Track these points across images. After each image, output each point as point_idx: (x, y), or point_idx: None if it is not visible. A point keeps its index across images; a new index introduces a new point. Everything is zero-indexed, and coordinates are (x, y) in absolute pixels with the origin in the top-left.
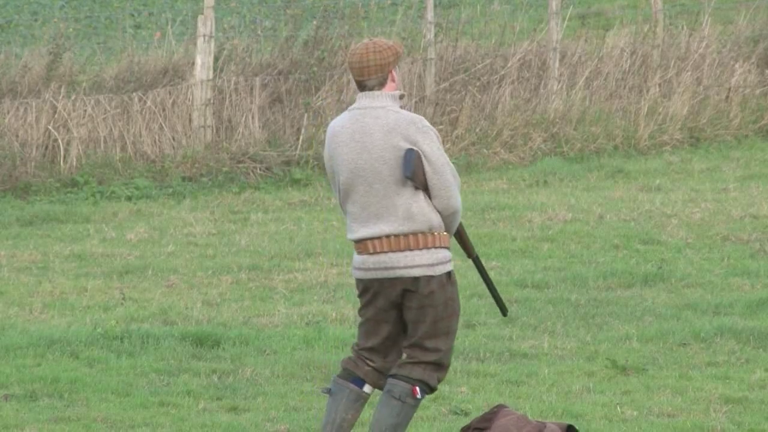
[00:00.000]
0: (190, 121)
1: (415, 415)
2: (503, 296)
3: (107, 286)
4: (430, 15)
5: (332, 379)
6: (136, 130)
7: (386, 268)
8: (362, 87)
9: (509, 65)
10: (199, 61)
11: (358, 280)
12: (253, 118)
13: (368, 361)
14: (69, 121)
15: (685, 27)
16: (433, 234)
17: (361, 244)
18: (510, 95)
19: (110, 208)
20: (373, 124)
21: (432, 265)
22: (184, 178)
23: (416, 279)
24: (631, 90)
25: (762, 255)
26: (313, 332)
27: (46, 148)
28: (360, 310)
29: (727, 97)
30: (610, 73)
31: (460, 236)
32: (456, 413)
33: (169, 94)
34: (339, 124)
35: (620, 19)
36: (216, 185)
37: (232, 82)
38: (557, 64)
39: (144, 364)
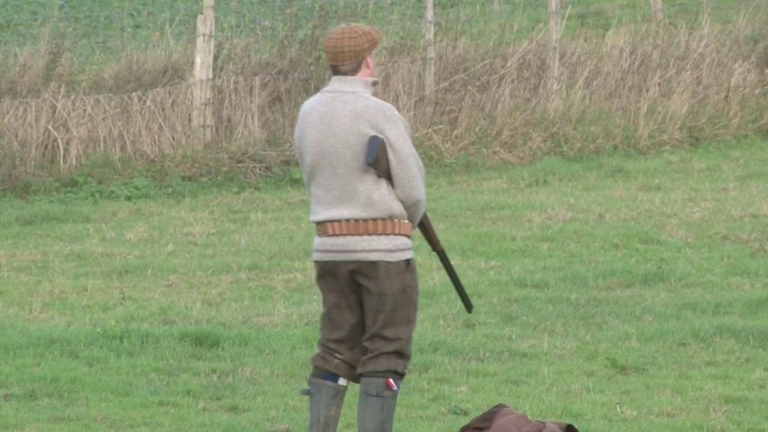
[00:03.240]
0: (190, 120)
1: (414, 414)
2: (503, 295)
3: (107, 286)
4: (429, 14)
5: (308, 380)
6: (136, 130)
7: (344, 251)
8: (336, 71)
9: (509, 65)
10: (198, 60)
11: (316, 263)
12: (252, 117)
13: (336, 354)
14: (68, 120)
15: (684, 26)
16: (393, 221)
17: (321, 226)
18: (509, 95)
19: (110, 208)
20: (341, 108)
21: (390, 250)
22: (183, 178)
23: (373, 263)
24: (630, 89)
25: (762, 254)
26: (313, 332)
27: (46, 147)
28: (323, 298)
29: (727, 96)
30: (609, 73)
31: (425, 228)
32: (455, 413)
33: (169, 93)
34: (310, 105)
35: (619, 19)
36: (215, 185)
37: (232, 82)
38: (557, 63)
39: (144, 363)
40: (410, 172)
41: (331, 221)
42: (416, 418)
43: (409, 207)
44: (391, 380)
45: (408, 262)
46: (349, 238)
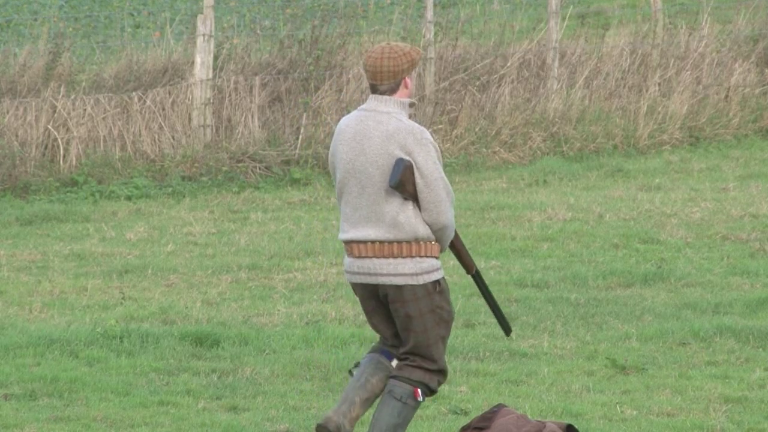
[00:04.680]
0: (190, 120)
1: (414, 414)
2: (503, 295)
3: (107, 286)
4: (429, 14)
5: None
6: (136, 130)
7: (370, 274)
8: (374, 90)
9: (509, 65)
10: (198, 60)
11: (349, 282)
12: (252, 117)
13: (392, 348)
14: (68, 120)
15: (684, 26)
16: (419, 243)
17: (348, 246)
18: (509, 95)
19: (110, 208)
20: (374, 128)
21: (416, 274)
22: (183, 178)
23: (399, 287)
24: (630, 89)
25: (761, 254)
26: (313, 332)
27: (46, 147)
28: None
29: (727, 96)
30: (609, 73)
31: (457, 251)
32: (455, 413)
33: (169, 93)
34: (345, 123)
35: (620, 19)
36: (215, 184)
37: (232, 82)
38: (557, 63)
39: (144, 363)
40: (438, 196)
41: (357, 242)
42: (416, 418)
43: (436, 231)
44: (419, 390)
45: (437, 283)
46: (374, 260)
